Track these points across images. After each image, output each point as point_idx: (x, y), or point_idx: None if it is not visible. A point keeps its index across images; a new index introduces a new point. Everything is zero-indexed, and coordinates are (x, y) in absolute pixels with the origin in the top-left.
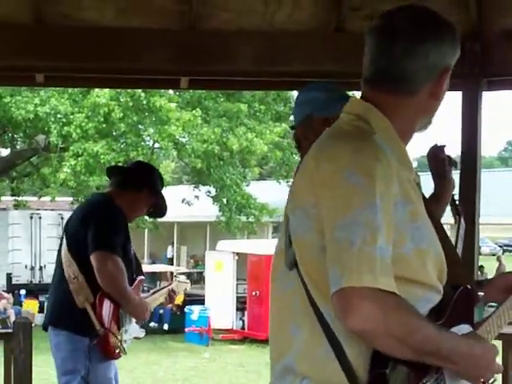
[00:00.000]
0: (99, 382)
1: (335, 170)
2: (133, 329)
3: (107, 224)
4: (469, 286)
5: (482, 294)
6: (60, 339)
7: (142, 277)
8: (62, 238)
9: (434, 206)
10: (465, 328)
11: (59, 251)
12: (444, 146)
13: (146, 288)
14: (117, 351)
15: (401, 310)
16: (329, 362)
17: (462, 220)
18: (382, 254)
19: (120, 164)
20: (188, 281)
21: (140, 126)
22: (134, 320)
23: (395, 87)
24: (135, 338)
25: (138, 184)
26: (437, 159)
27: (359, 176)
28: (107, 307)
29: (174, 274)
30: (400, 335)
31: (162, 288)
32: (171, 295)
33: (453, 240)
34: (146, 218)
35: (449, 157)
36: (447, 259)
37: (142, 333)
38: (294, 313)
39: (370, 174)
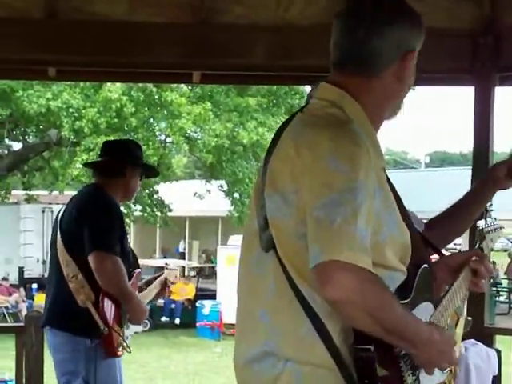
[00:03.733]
0: (102, 382)
1: (316, 157)
2: (133, 324)
3: (102, 222)
4: (427, 265)
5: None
6: (58, 340)
7: (139, 270)
8: (55, 233)
9: (474, 201)
10: (428, 306)
11: (53, 247)
12: None
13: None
14: (120, 349)
15: (376, 285)
16: (312, 341)
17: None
18: (361, 235)
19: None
20: (176, 268)
21: (152, 121)
22: None
23: (361, 69)
24: (135, 332)
25: (121, 169)
26: None
27: (340, 161)
28: (109, 305)
29: (166, 265)
30: (373, 309)
31: (155, 278)
32: (164, 285)
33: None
34: (158, 213)
35: None
36: (412, 242)
37: (140, 327)
38: (266, 296)
39: (351, 159)
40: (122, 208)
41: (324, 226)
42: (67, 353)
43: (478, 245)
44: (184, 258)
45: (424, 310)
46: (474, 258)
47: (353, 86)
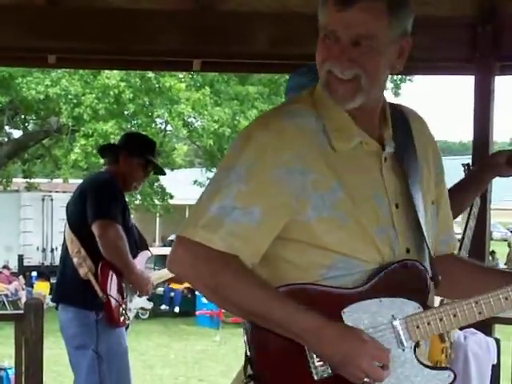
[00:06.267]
0: (112, 350)
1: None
2: (138, 299)
3: (104, 193)
4: (410, 262)
5: None
6: (69, 316)
7: (148, 252)
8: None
9: (471, 185)
10: (407, 304)
11: (64, 233)
12: None
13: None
14: (122, 318)
15: (211, 262)
16: None
17: (478, 199)
18: (220, 213)
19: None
20: None
21: (151, 107)
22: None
23: None
24: (142, 308)
25: (115, 154)
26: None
27: (237, 143)
28: (110, 276)
29: None
30: (211, 285)
31: None
32: None
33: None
34: (156, 201)
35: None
36: None
37: (149, 304)
38: None
39: (246, 140)
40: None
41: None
42: (77, 327)
43: None
44: None
45: (392, 305)
46: None
47: None
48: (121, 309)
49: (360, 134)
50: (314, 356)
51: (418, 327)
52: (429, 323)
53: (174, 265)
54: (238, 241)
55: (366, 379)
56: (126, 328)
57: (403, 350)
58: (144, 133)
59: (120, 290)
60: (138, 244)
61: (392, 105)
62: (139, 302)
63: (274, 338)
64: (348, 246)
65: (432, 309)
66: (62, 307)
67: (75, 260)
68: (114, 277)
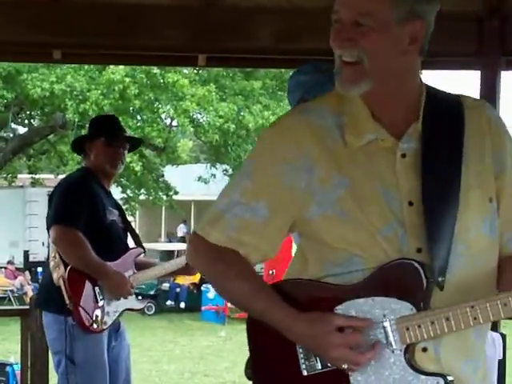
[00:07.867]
0: (85, 358)
1: None
2: (122, 300)
3: (65, 197)
4: (404, 262)
5: None
6: (48, 320)
7: (140, 249)
8: None
9: None
10: (400, 305)
11: None
12: None
13: None
14: (94, 326)
15: (206, 254)
16: None
17: None
18: (223, 208)
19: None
20: None
21: (156, 103)
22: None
23: None
24: (129, 309)
25: (81, 147)
26: None
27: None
28: (79, 282)
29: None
30: (207, 275)
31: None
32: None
33: None
34: (164, 196)
35: None
36: None
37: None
38: None
39: (258, 138)
40: (128, 192)
41: None
42: (55, 332)
43: None
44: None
45: (384, 305)
46: None
47: None
48: (94, 315)
49: (375, 130)
50: (303, 351)
51: (407, 329)
52: (419, 326)
53: (186, 254)
54: (240, 235)
55: (344, 366)
56: (118, 330)
57: (393, 351)
58: (149, 129)
59: (93, 296)
60: (125, 240)
61: (440, 96)
62: (123, 304)
63: (267, 331)
64: (349, 243)
65: (425, 311)
66: (43, 312)
67: (51, 264)
68: (86, 282)
